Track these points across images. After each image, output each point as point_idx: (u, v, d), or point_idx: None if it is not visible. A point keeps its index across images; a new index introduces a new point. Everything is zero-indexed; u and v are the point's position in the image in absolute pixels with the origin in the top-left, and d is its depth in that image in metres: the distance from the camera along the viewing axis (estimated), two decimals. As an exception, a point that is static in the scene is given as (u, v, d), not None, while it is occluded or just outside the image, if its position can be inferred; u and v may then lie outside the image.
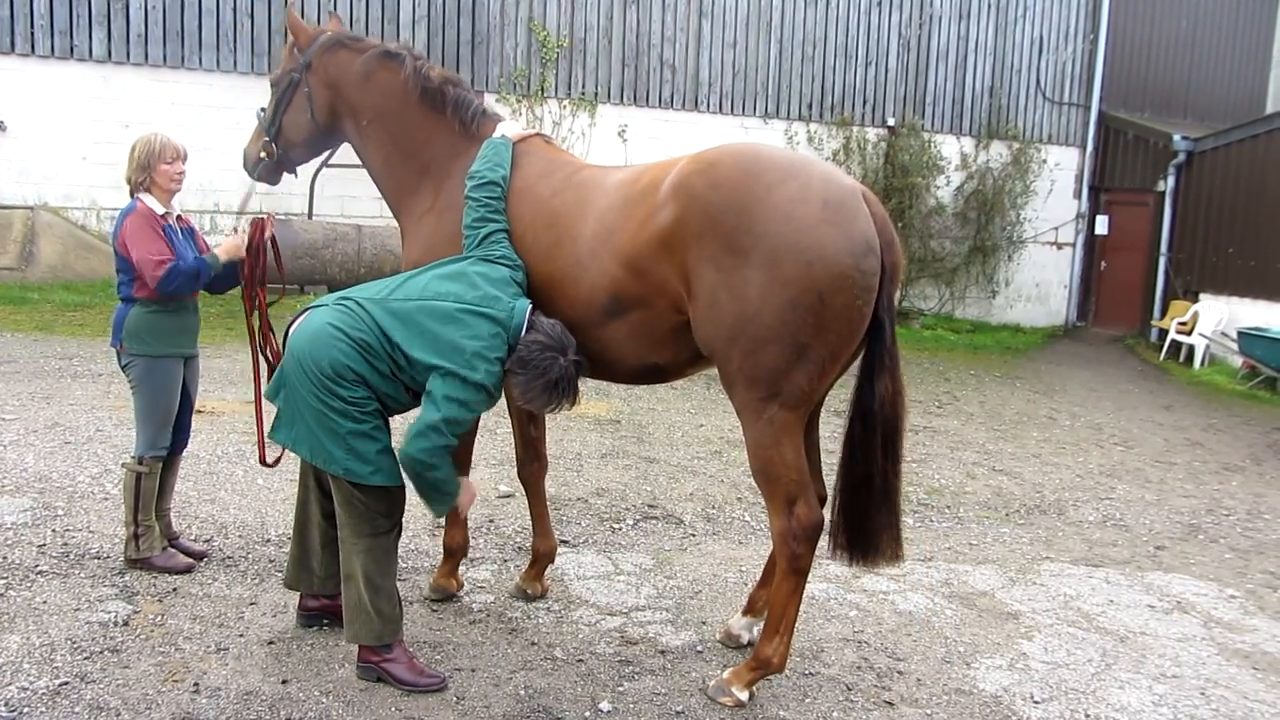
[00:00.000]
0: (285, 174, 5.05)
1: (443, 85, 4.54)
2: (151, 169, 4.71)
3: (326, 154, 5.37)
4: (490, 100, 14.52)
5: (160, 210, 4.73)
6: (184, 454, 5.14)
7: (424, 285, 3.93)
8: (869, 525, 4.03)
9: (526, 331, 3.86)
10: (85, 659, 3.97)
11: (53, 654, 3.99)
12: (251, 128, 5.01)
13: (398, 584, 4.10)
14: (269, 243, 4.75)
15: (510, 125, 4.53)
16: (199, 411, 5.12)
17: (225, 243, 4.78)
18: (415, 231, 4.55)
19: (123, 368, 4.81)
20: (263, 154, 4.84)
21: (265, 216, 4.80)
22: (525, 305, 3.93)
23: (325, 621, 4.37)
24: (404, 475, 3.85)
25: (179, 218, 4.89)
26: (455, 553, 4.79)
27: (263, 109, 4.89)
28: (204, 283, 4.74)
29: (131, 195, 4.77)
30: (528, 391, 3.83)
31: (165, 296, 4.66)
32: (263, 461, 4.64)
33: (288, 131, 4.81)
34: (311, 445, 3.80)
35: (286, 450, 4.00)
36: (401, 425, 4.05)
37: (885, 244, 3.72)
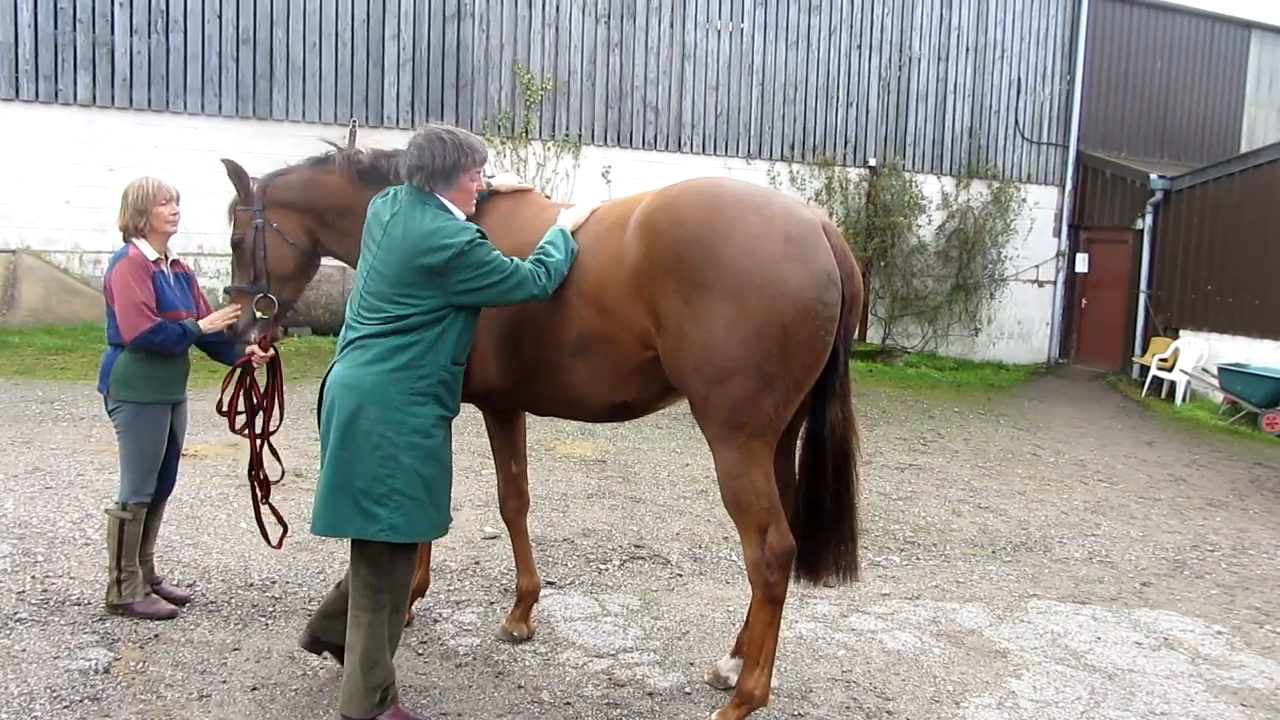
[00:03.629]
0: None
1: (374, 162, 4.61)
2: (148, 212, 4.68)
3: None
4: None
5: (153, 256, 4.70)
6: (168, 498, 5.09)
7: (364, 274, 3.88)
8: (815, 544, 4.06)
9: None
10: (65, 708, 3.91)
11: (31, 703, 3.93)
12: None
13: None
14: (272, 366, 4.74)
15: (506, 177, 4.63)
16: (183, 454, 5.08)
17: (213, 315, 4.73)
18: None
19: (109, 413, 4.77)
20: (258, 312, 4.66)
21: (266, 347, 4.68)
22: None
23: (326, 654, 4.30)
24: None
25: (174, 263, 4.85)
26: (416, 589, 4.88)
27: (227, 289, 4.81)
28: (186, 346, 4.67)
29: (125, 241, 4.73)
30: (422, 159, 3.75)
31: (139, 349, 4.60)
32: (267, 541, 4.73)
33: (277, 269, 4.69)
34: (358, 524, 3.68)
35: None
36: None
37: (845, 275, 3.80)
